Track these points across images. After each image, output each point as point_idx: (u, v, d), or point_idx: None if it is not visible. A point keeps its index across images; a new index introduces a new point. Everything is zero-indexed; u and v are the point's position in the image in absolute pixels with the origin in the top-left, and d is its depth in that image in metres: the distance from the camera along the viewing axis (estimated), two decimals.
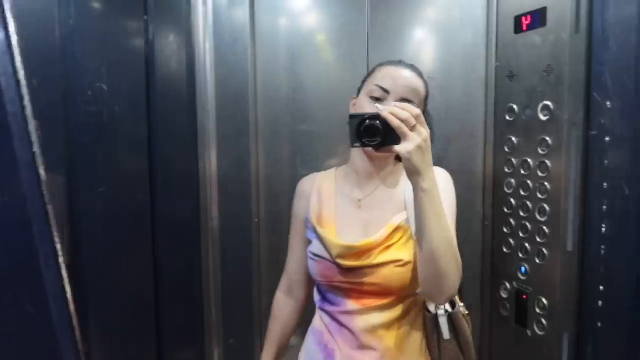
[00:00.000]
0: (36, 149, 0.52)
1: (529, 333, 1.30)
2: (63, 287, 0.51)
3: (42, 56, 0.85)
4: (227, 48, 1.51)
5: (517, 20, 1.29)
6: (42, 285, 0.49)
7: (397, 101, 1.05)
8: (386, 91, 1.07)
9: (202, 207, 1.51)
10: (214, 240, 1.54)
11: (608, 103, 1.08)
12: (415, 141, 0.86)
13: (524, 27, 1.27)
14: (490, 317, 1.49)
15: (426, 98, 1.15)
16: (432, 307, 1.12)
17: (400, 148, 0.87)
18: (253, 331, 1.59)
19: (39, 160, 0.52)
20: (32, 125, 0.51)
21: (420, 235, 0.95)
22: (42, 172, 0.52)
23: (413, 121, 0.87)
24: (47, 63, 0.86)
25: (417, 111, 0.88)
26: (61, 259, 0.51)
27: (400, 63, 1.15)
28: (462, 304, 1.16)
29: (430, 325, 1.13)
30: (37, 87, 0.82)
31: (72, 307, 0.53)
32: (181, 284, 1.41)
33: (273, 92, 1.57)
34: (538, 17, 1.23)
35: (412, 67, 1.14)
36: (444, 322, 1.11)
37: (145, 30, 1.22)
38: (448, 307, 1.13)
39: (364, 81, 1.19)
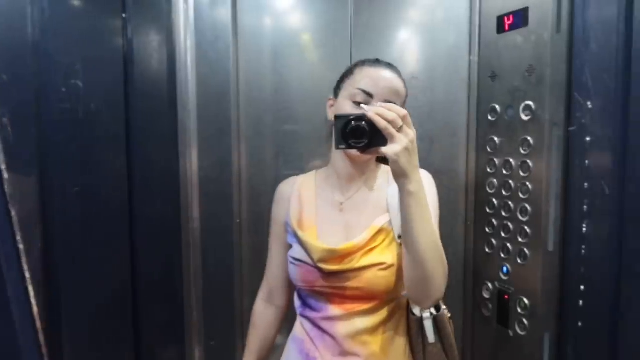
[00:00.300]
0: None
1: (511, 333, 1.30)
2: (26, 289, 0.49)
3: (14, 52, 0.82)
4: (208, 46, 1.49)
5: (500, 20, 1.29)
6: (3, 287, 0.47)
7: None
8: (370, 95, 1.04)
9: (182, 207, 1.49)
10: (195, 241, 1.51)
11: (589, 103, 1.08)
12: (402, 143, 0.84)
13: (506, 27, 1.27)
14: (472, 317, 1.49)
15: (406, 97, 1.12)
16: (416, 310, 1.11)
17: (387, 150, 0.85)
18: (234, 332, 1.57)
19: (0, 158, 0.50)
20: None
21: (406, 239, 0.92)
22: (3, 169, 0.50)
23: (400, 122, 0.85)
24: (19, 59, 0.83)
25: (404, 112, 0.87)
26: (24, 260, 0.48)
27: (379, 63, 1.10)
28: (444, 307, 1.15)
29: (415, 329, 1.11)
30: (8, 83, 0.80)
31: (35, 309, 0.51)
32: (161, 284, 1.39)
33: (256, 91, 1.55)
34: (520, 17, 1.23)
35: (391, 67, 1.11)
36: (429, 326, 1.09)
37: (124, 27, 1.19)
38: (433, 309, 1.11)
39: (340, 82, 1.14)
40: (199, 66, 1.49)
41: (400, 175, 0.86)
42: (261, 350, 1.24)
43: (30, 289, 0.50)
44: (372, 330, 1.05)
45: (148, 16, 1.32)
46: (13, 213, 0.49)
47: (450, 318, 1.14)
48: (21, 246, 0.49)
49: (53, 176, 0.89)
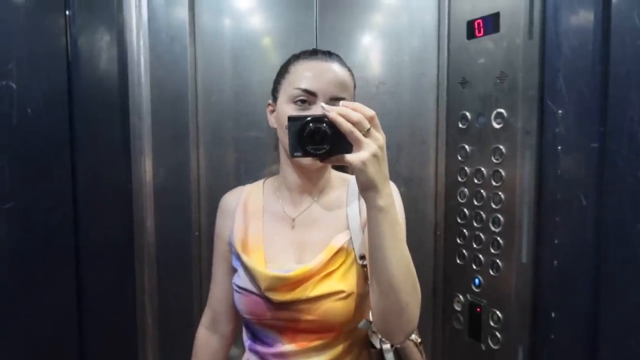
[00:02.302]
0: None
1: (483, 347, 1.27)
2: None
3: None
4: (163, 47, 1.40)
5: (470, 25, 1.26)
6: None
7: (326, 101, 0.88)
8: (312, 94, 0.90)
9: (135, 220, 1.39)
10: (150, 256, 1.42)
11: (561, 110, 1.06)
12: (370, 149, 0.71)
13: (477, 33, 1.24)
14: (442, 330, 1.45)
15: (354, 87, 0.99)
16: (376, 342, 0.98)
17: (353, 157, 0.71)
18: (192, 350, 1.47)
19: None
20: None
21: (375, 263, 0.79)
22: None
23: (367, 124, 0.72)
24: None
25: (371, 112, 0.73)
26: None
27: (316, 54, 0.96)
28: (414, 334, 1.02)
29: None
30: None
31: None
32: (112, 306, 1.28)
33: (215, 95, 1.47)
34: (491, 23, 1.20)
35: (333, 56, 0.97)
36: (390, 358, 0.96)
37: (67, 25, 1.08)
38: None
39: (276, 82, 1.01)
40: (153, 68, 1.40)
41: (368, 188, 0.73)
42: None
43: None
44: None
45: (96, 13, 1.23)
46: None
47: (420, 344, 1.02)
48: None
49: None
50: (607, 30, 0.89)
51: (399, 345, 0.96)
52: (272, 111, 1.02)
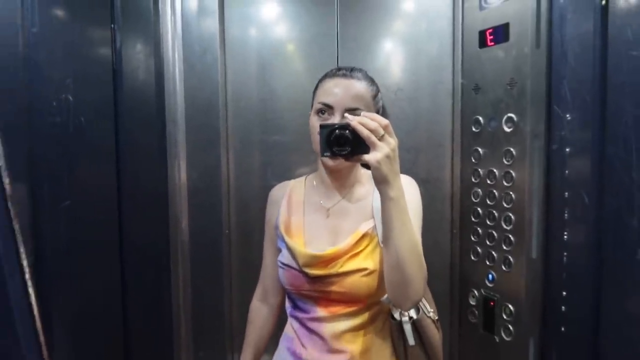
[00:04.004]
0: (1, 161, 0.50)
1: (497, 339, 1.33)
2: (30, 304, 0.50)
3: (4, 66, 0.83)
4: (196, 58, 1.51)
5: (482, 35, 1.33)
6: (7, 299, 0.48)
7: (341, 111, 1.07)
8: (329, 106, 1.08)
9: (171, 219, 1.49)
10: (184, 253, 1.52)
11: (568, 115, 1.12)
12: (383, 150, 0.89)
13: (488, 42, 1.31)
14: (459, 324, 1.52)
15: (375, 96, 1.14)
16: (396, 315, 1.14)
17: (369, 157, 0.90)
18: (223, 343, 1.57)
19: (4, 173, 0.51)
20: None
21: (386, 242, 0.97)
22: (7, 184, 0.51)
23: (381, 131, 0.90)
24: (10, 73, 0.83)
25: (385, 121, 0.91)
26: (27, 276, 0.49)
27: (338, 73, 1.14)
28: (432, 310, 1.18)
29: (396, 332, 1.14)
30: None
31: (38, 324, 0.52)
32: (150, 297, 1.39)
33: (243, 102, 1.57)
34: (501, 32, 1.27)
35: (352, 73, 1.13)
36: (408, 329, 1.12)
37: (113, 39, 1.20)
38: (413, 313, 1.14)
39: (313, 96, 1.19)
40: (186, 78, 1.51)
41: (381, 182, 0.91)
42: (257, 344, 1.29)
43: (34, 302, 0.51)
44: (356, 331, 1.10)
45: (136, 27, 1.33)
46: (16, 227, 0.50)
47: (437, 321, 1.17)
48: (25, 262, 0.49)
49: (44, 191, 0.90)
50: (605, 41, 0.96)
51: (415, 318, 1.12)
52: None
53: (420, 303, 1.16)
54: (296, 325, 1.16)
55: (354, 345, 1.09)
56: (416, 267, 0.96)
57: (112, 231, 1.17)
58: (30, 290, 0.50)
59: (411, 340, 1.12)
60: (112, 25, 1.20)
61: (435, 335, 1.16)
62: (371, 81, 1.15)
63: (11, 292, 0.48)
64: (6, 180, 0.50)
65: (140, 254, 1.30)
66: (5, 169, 0.51)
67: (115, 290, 1.19)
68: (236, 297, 1.60)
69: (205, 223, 1.54)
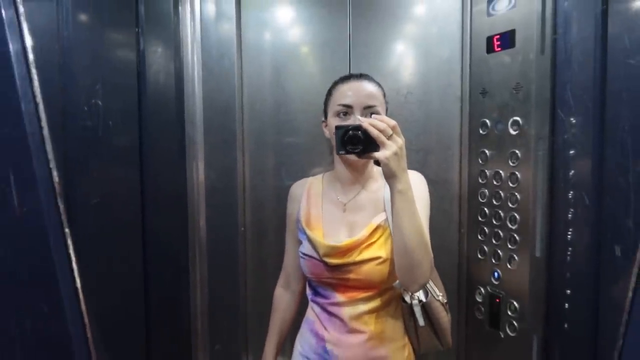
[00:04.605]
0: (52, 165, 0.57)
1: (502, 335, 1.38)
2: (76, 289, 0.56)
3: (45, 73, 0.89)
4: (214, 62, 1.56)
5: (489, 40, 1.38)
6: (57, 288, 0.54)
7: (361, 110, 1.17)
8: (349, 106, 1.18)
9: (190, 217, 1.56)
10: (201, 249, 1.58)
11: (572, 119, 1.17)
12: (391, 148, 0.99)
13: (495, 47, 1.36)
14: (466, 319, 1.56)
15: (384, 96, 1.25)
16: (407, 298, 1.24)
17: (379, 154, 1.00)
18: (238, 336, 1.63)
19: (55, 175, 0.57)
20: (48, 143, 0.56)
21: (395, 231, 1.06)
22: (56, 185, 0.57)
23: (390, 131, 1.00)
24: (49, 79, 0.89)
25: (393, 122, 1.01)
26: (74, 265, 0.56)
27: (351, 77, 1.25)
28: (440, 294, 1.29)
29: (407, 314, 1.25)
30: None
31: (84, 308, 0.58)
32: (170, 291, 1.45)
33: (259, 104, 1.63)
34: (507, 39, 1.32)
35: (362, 76, 1.24)
36: (418, 311, 1.23)
37: (137, 43, 1.25)
38: (422, 297, 1.24)
39: (325, 105, 1.29)
40: (205, 81, 1.56)
41: (390, 176, 1.01)
42: (281, 329, 1.41)
43: (80, 292, 0.57)
44: (372, 313, 1.20)
45: (158, 31, 1.39)
46: (65, 225, 0.56)
47: (446, 304, 1.29)
48: (72, 253, 0.56)
49: (77, 191, 0.96)
50: (604, 49, 1.00)
51: (425, 301, 1.24)
52: (326, 125, 1.30)
53: (429, 287, 1.27)
54: (317, 309, 1.27)
55: (370, 326, 1.19)
56: (422, 253, 1.05)
57: (136, 228, 1.24)
58: (78, 283, 0.57)
59: (421, 321, 1.23)
60: (137, 29, 1.25)
61: (444, 317, 1.27)
62: (378, 83, 1.25)
63: (61, 282, 0.54)
64: (56, 180, 0.56)
65: (161, 251, 1.36)
66: (55, 168, 0.57)
67: (138, 284, 1.25)
68: (250, 292, 1.66)
69: (222, 221, 1.60)
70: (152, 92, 1.32)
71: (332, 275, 1.20)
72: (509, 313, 1.35)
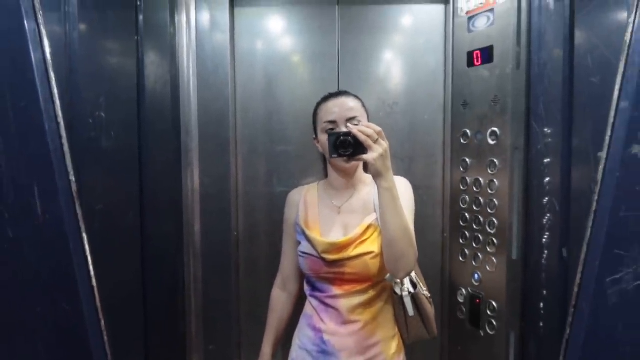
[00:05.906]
0: (72, 177, 0.63)
1: (482, 333, 1.45)
2: (92, 288, 0.62)
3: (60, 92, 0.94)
4: (209, 71, 1.61)
5: (469, 55, 1.46)
6: (76, 287, 0.60)
7: (344, 123, 1.31)
8: (333, 122, 1.32)
9: (185, 221, 1.61)
10: (196, 253, 1.63)
11: (546, 129, 1.25)
12: (378, 151, 1.13)
13: (475, 62, 1.44)
14: (448, 319, 1.64)
15: (363, 106, 1.38)
16: (398, 290, 1.36)
17: (367, 156, 1.14)
18: (231, 337, 1.69)
19: (74, 187, 0.64)
20: (68, 157, 0.63)
21: (382, 224, 1.20)
22: (75, 196, 0.63)
23: (376, 136, 1.14)
24: (62, 98, 0.94)
25: (379, 129, 1.16)
26: (91, 267, 0.62)
27: (330, 96, 1.39)
28: (425, 288, 1.41)
29: (398, 305, 1.37)
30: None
31: (99, 304, 0.64)
32: (166, 293, 1.51)
33: (251, 113, 1.69)
34: (487, 54, 1.40)
35: (341, 93, 1.39)
36: (408, 302, 1.35)
37: (137, 54, 1.29)
38: (411, 289, 1.36)
39: (314, 124, 1.43)
40: (200, 91, 1.61)
41: (376, 176, 1.15)
42: (278, 328, 1.52)
43: (96, 291, 0.64)
44: (366, 304, 1.32)
45: (155, 41, 1.42)
46: (83, 230, 0.63)
47: (430, 298, 1.42)
48: (89, 256, 0.62)
49: (82, 197, 1.01)
50: (571, 67, 1.08)
51: (413, 292, 1.36)
52: (318, 142, 1.41)
53: (416, 279, 1.40)
54: (315, 303, 1.38)
55: (364, 316, 1.31)
56: (407, 244, 1.19)
57: (135, 233, 1.29)
58: (94, 282, 0.63)
59: (411, 311, 1.35)
60: (137, 37, 1.29)
61: (429, 308, 1.40)
62: (356, 96, 1.39)
63: (79, 278, 0.60)
64: (74, 187, 0.63)
65: (158, 254, 1.42)
66: (75, 184, 0.63)
67: (136, 286, 1.31)
68: (243, 294, 1.72)
69: (216, 226, 1.65)
70: (151, 102, 1.36)
71: (329, 270, 1.31)
72: (488, 312, 1.43)
